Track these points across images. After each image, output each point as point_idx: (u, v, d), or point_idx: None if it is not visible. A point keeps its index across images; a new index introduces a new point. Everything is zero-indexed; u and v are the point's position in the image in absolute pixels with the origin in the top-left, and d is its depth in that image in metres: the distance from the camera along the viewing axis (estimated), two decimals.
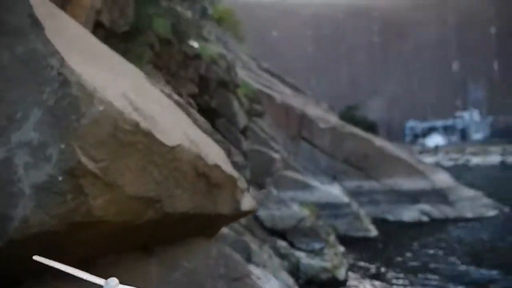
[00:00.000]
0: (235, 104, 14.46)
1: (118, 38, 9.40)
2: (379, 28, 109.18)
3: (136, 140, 1.58)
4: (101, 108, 1.46)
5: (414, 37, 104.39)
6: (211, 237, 2.91)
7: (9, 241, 1.33)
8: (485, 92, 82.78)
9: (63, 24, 2.25)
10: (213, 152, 2.36)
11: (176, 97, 3.62)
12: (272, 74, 23.61)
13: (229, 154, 3.58)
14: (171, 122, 2.06)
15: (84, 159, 1.40)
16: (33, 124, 1.44)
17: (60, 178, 1.37)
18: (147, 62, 11.58)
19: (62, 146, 1.39)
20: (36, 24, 1.68)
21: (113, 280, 0.76)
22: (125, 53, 10.84)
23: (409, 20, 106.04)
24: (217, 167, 2.19)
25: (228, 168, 2.46)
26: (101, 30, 7.99)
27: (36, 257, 0.88)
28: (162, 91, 3.27)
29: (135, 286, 0.80)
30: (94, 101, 1.47)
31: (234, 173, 2.61)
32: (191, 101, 13.48)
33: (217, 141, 3.08)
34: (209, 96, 14.14)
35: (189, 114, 3.09)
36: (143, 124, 1.60)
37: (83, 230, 1.48)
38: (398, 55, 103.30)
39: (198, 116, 3.58)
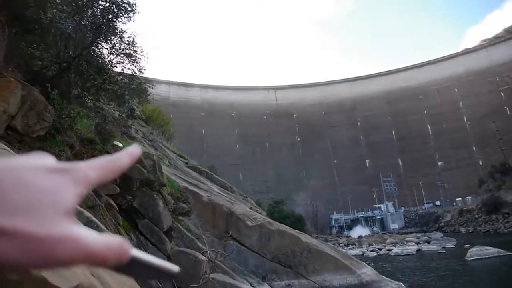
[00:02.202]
0: (160, 203, 14.02)
1: (34, 138, 9.00)
2: (299, 128, 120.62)
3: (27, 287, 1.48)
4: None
5: (331, 137, 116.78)
6: None
7: None
8: (395, 186, 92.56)
9: None
10: (120, 281, 2.25)
11: (87, 214, 3.46)
12: (200, 172, 23.87)
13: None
14: None
15: None
16: None
17: None
18: (64, 162, 11.02)
19: None
20: None
21: None
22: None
23: (325, 122, 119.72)
24: None
25: None
26: (13, 133, 7.63)
27: None
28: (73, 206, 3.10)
29: None
30: None
31: None
32: (111, 202, 12.76)
33: None
34: (131, 196, 13.56)
35: (99, 233, 2.97)
36: (35, 271, 1.52)
37: None
38: (318, 153, 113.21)
39: (109, 235, 3.42)
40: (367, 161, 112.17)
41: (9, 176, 0.36)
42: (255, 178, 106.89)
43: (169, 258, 12.74)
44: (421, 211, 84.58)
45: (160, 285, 6.66)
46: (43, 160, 0.43)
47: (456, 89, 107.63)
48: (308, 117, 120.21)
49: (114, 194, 12.48)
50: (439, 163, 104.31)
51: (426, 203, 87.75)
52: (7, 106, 6.50)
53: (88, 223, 2.96)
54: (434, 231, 62.53)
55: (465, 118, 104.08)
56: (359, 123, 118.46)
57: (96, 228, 2.97)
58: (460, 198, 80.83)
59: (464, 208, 70.41)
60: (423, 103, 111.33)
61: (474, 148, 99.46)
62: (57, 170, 0.42)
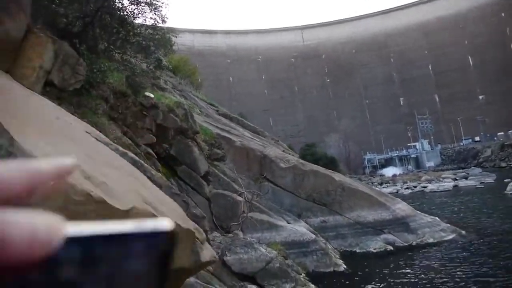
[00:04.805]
0: (195, 150, 14.51)
1: (71, 93, 9.35)
2: (328, 69, 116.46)
3: (88, 209, 1.63)
4: (51, 183, 1.52)
5: (362, 76, 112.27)
6: None
7: None
8: (431, 123, 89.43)
9: (11, 94, 2.30)
10: (168, 209, 2.43)
11: (131, 154, 3.67)
12: (231, 118, 24.14)
13: (186, 207, 3.61)
14: (124, 184, 2.13)
15: None
16: None
17: None
18: (102, 114, 11.47)
19: None
20: None
21: None
22: (78, 107, 10.71)
23: (356, 60, 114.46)
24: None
25: (185, 222, 2.53)
26: (52, 88, 7.96)
27: None
28: (117, 149, 3.31)
29: None
30: None
31: (192, 226, 2.67)
32: (150, 150, 13.33)
33: (173, 195, 3.13)
34: (168, 144, 14.10)
35: (144, 171, 3.15)
36: (95, 193, 1.67)
37: None
38: (349, 93, 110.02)
39: (153, 172, 3.64)
40: (401, 99, 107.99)
41: None
42: (285, 122, 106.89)
43: (208, 200, 13.47)
44: (458, 147, 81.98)
45: (205, 216, 7.17)
46: None
47: (503, 14, 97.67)
48: (337, 57, 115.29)
49: (152, 144, 13.02)
50: (480, 97, 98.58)
51: (465, 139, 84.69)
52: (42, 62, 6.69)
53: (135, 163, 3.18)
54: (472, 167, 60.92)
55: None
56: (392, 59, 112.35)
57: (141, 167, 3.19)
58: (502, 133, 77.16)
59: (507, 143, 67.39)
60: (464, 33, 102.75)
61: None
62: None
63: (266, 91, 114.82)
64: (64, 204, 1.52)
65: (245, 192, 13.67)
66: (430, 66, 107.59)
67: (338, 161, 40.69)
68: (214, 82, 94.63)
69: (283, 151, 20.83)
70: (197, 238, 2.75)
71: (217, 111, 24.94)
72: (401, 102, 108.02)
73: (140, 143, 12.33)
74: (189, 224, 2.63)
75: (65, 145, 2.06)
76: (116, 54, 14.95)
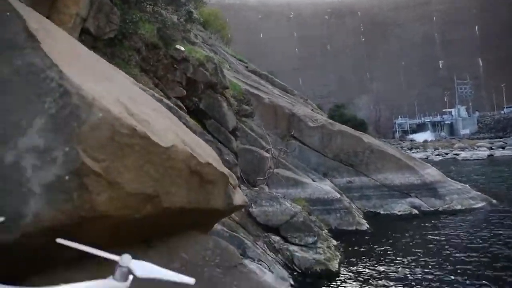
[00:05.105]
0: (224, 105, 14.61)
1: (105, 43, 9.47)
2: (364, 27, 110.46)
3: (133, 142, 1.72)
4: (100, 115, 1.60)
5: (399, 36, 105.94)
6: (206, 232, 3.06)
7: (22, 235, 1.46)
8: (471, 88, 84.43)
9: (55, 36, 2.37)
10: (204, 152, 2.51)
11: (166, 101, 3.76)
12: (260, 75, 23.82)
13: (220, 153, 3.71)
14: (163, 125, 2.21)
15: (87, 160, 1.54)
16: (37, 130, 1.57)
17: (66, 178, 1.51)
18: (134, 66, 11.62)
19: (66, 149, 1.53)
20: (32, 38, 1.80)
21: (127, 256, 0.87)
22: (112, 58, 10.91)
23: (394, 19, 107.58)
24: (209, 165, 2.34)
25: (219, 166, 2.62)
26: (87, 36, 8.07)
27: (58, 240, 1.01)
28: (153, 95, 3.40)
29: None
30: (93, 109, 1.61)
31: (226, 171, 2.76)
32: (180, 103, 13.57)
33: (207, 141, 3.22)
34: (197, 98, 14.24)
35: (179, 117, 3.23)
36: (139, 128, 1.75)
37: (88, 224, 1.61)
38: (384, 54, 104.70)
39: (188, 118, 3.73)
40: (440, 61, 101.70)
41: None
42: (315, 82, 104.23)
43: (236, 155, 13.74)
44: (498, 115, 77.62)
45: (237, 163, 7.36)
46: None
47: None
48: (374, 15, 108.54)
49: (182, 97, 13.18)
50: None
51: (506, 107, 79.62)
52: (78, 9, 6.74)
53: (170, 109, 3.30)
54: (511, 137, 57.89)
55: None
56: (434, 18, 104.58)
57: (176, 113, 3.29)
58: None
59: None
60: None
61: None
62: None
63: (297, 49, 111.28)
64: (112, 135, 1.60)
65: (272, 149, 13.79)
66: (477, 27, 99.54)
67: (367, 124, 39.87)
68: (244, 38, 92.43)
69: (312, 110, 20.57)
70: (230, 183, 2.86)
71: (247, 67, 24.64)
72: (440, 65, 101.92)
73: (170, 95, 12.51)
74: (223, 169, 2.72)
75: (108, 85, 2.13)
76: (147, 6, 14.81)
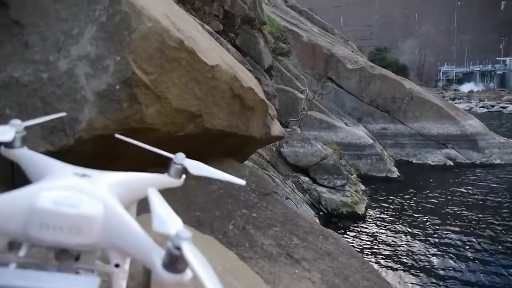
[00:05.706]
0: (261, 42, 14.16)
1: None
2: None
3: (180, 56, 1.71)
4: (149, 24, 1.58)
5: None
6: (242, 162, 3.15)
7: (77, 140, 1.55)
8: None
9: None
10: (247, 77, 2.47)
11: (207, 27, 3.67)
12: (299, 12, 22.53)
13: (260, 83, 3.66)
14: (208, 45, 2.16)
15: (137, 71, 1.55)
16: (89, 38, 1.59)
17: (117, 87, 1.54)
18: None
19: (118, 58, 1.54)
20: None
21: (181, 154, 0.89)
22: None
23: None
24: (251, 90, 2.32)
25: (260, 93, 2.59)
26: None
27: (117, 135, 1.05)
28: (195, 19, 3.31)
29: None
30: (143, 18, 1.58)
31: (265, 99, 2.74)
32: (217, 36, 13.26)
33: (248, 70, 3.17)
34: (233, 34, 13.84)
35: (221, 44, 3.16)
36: (187, 42, 1.72)
37: (137, 136, 1.68)
38: None
39: (229, 46, 3.64)
40: (502, 2, 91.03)
41: None
42: (357, 22, 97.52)
43: (269, 94, 13.59)
44: None
45: (276, 94, 7.29)
46: None
47: None
48: None
49: (218, 31, 12.82)
50: None
51: None
52: None
53: (212, 34, 3.22)
54: None
55: None
56: None
57: (217, 39, 3.21)
58: None
59: None
60: None
61: None
62: None
63: None
64: (160, 47, 1.59)
65: (307, 90, 13.49)
66: None
67: (409, 70, 37.62)
68: None
69: (352, 51, 19.54)
70: (269, 113, 2.84)
71: (286, 2, 23.29)
72: (502, 7, 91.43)
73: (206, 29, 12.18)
74: (263, 97, 2.69)
75: (154, 1, 2.07)
76: None
